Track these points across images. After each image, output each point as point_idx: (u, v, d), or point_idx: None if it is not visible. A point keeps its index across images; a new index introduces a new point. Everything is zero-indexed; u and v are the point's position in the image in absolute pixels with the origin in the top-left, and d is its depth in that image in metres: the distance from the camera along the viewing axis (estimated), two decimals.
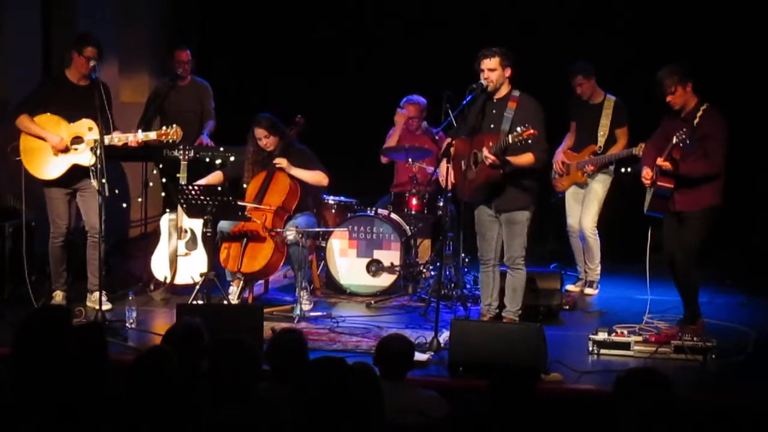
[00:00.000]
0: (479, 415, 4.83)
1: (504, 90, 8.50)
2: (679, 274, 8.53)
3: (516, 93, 8.47)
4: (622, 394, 4.94)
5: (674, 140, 8.13)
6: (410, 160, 10.51)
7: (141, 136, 9.38)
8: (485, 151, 8.22)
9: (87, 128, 9.12)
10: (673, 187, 8.32)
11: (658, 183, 8.38)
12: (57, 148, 9.11)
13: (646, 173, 8.45)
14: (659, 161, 8.26)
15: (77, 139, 9.14)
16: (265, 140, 9.77)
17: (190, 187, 9.18)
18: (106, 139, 9.04)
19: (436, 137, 10.60)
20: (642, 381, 4.94)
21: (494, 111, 8.51)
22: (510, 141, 8.13)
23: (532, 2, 12.07)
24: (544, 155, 8.55)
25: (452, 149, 8.58)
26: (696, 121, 8.21)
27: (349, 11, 12.63)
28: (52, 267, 9.41)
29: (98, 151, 8.81)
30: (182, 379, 5.16)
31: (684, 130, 8.13)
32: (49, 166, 9.18)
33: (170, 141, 9.51)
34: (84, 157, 9.11)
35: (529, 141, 8.10)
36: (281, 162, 9.75)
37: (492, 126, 8.48)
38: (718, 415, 6.82)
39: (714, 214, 8.38)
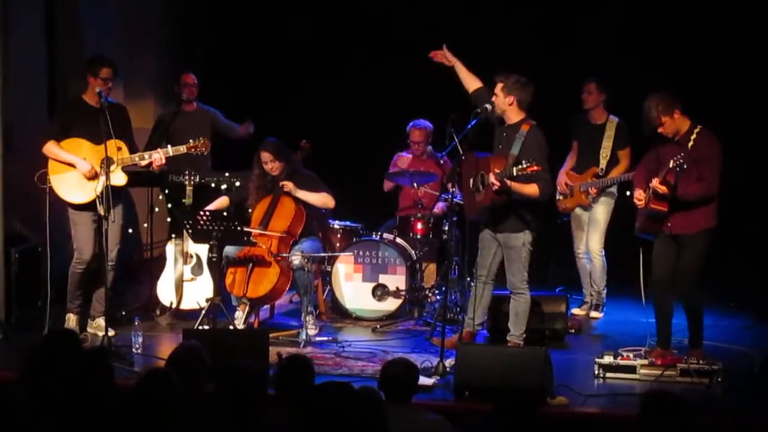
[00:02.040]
0: None
1: (514, 117, 8.59)
2: (684, 300, 8.50)
3: (529, 122, 8.54)
4: (646, 415, 4.94)
5: (671, 164, 8.09)
6: (415, 184, 10.53)
7: (171, 150, 9.44)
8: (491, 177, 8.27)
9: (116, 148, 9.17)
10: (667, 210, 8.32)
11: (651, 206, 8.36)
12: (87, 176, 9.11)
13: (639, 194, 8.45)
14: (654, 184, 8.23)
15: (107, 161, 9.19)
16: (271, 164, 9.79)
17: (201, 214, 9.20)
18: (135, 158, 9.21)
19: (441, 161, 10.62)
20: (667, 404, 4.95)
21: (505, 134, 8.62)
22: (515, 173, 8.19)
23: (535, 23, 12.10)
24: (547, 189, 8.61)
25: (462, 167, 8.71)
26: (690, 144, 8.22)
27: (354, 34, 12.66)
28: (69, 290, 9.39)
29: (106, 176, 8.87)
30: (183, 400, 5.18)
31: (682, 154, 8.10)
32: (82, 190, 9.15)
33: (200, 153, 9.61)
34: (116, 177, 9.16)
35: (532, 177, 8.18)
36: (287, 185, 9.77)
37: (500, 147, 8.58)
38: None
39: (709, 236, 8.35)
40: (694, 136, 8.23)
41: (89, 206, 9.20)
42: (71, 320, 9.39)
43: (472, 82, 8.86)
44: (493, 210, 8.57)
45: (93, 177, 9.13)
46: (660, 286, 8.52)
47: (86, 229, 9.27)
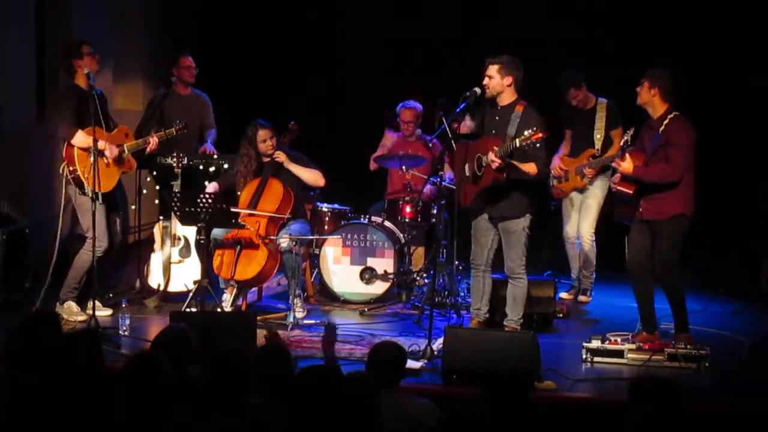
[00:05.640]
0: (470, 421, 4.82)
1: (508, 98, 8.51)
2: (663, 287, 8.53)
3: (522, 102, 8.49)
4: (634, 400, 4.94)
5: (621, 143, 8.27)
6: (404, 167, 10.51)
7: (165, 134, 9.78)
8: (491, 155, 8.22)
9: (124, 135, 9.26)
10: (633, 192, 8.37)
11: (618, 187, 8.47)
12: (111, 158, 9.17)
13: (615, 178, 8.55)
14: (614, 162, 8.35)
15: (119, 148, 9.27)
16: (270, 141, 9.77)
17: (202, 196, 9.20)
18: (140, 143, 9.53)
19: (430, 144, 10.59)
20: (656, 389, 4.94)
21: (497, 117, 8.54)
22: (518, 144, 8.13)
23: (526, 8, 12.09)
24: (545, 168, 8.63)
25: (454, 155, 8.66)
26: (662, 128, 8.29)
27: (342, 15, 12.66)
28: (74, 277, 9.32)
29: (93, 159, 8.84)
30: (172, 383, 5.16)
31: (629, 132, 8.28)
32: (105, 179, 9.11)
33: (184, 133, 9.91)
34: (131, 163, 9.39)
35: (537, 144, 8.13)
36: (280, 155, 9.75)
37: (494, 131, 8.51)
38: (711, 424, 6.81)
39: (683, 222, 8.36)
40: (667, 121, 8.30)
41: (104, 195, 9.18)
42: (73, 307, 9.30)
43: None
44: (493, 194, 8.51)
45: (115, 160, 9.23)
46: (635, 271, 8.56)
47: (101, 218, 9.17)
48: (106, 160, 9.11)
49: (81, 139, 9.09)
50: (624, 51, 11.39)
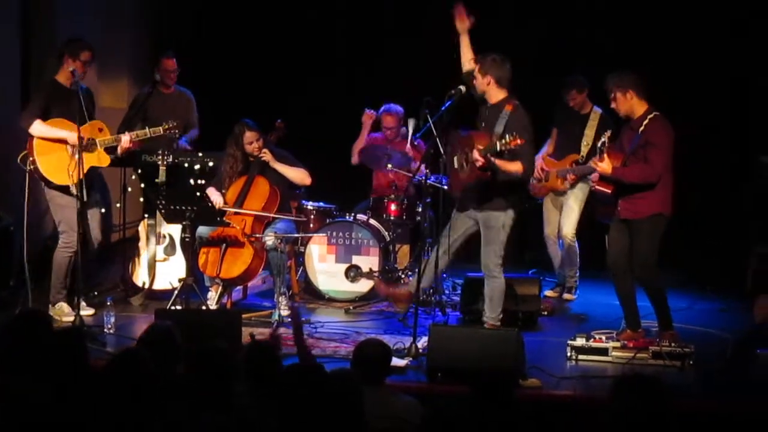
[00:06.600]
0: (454, 418, 4.82)
1: (496, 96, 8.54)
2: (643, 286, 8.56)
3: (513, 101, 8.50)
4: (618, 398, 4.94)
5: (599, 143, 8.33)
6: (389, 166, 10.51)
7: (149, 132, 9.57)
8: (475, 153, 8.23)
9: (97, 129, 9.18)
10: (611, 192, 8.45)
11: (597, 187, 8.57)
12: (76, 145, 8.99)
13: (593, 177, 8.64)
14: (591, 161, 8.45)
15: (90, 141, 9.15)
16: (256, 143, 9.74)
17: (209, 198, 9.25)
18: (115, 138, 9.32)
19: (415, 143, 10.60)
20: (640, 386, 4.94)
21: (488, 113, 8.57)
22: (498, 148, 8.13)
23: (526, 7, 12.08)
24: (530, 167, 8.65)
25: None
26: (641, 129, 8.32)
27: (328, 14, 12.63)
28: (56, 278, 9.27)
29: (78, 156, 8.81)
30: (157, 380, 5.16)
31: (607, 133, 8.35)
32: (68, 170, 9.03)
33: (174, 134, 9.77)
34: (101, 158, 9.25)
35: (515, 150, 8.13)
36: (266, 154, 9.73)
37: (483, 125, 8.55)
38: (695, 421, 6.83)
39: (660, 221, 8.38)
40: (646, 121, 8.34)
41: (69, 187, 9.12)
42: (64, 308, 9.24)
43: (466, 62, 8.80)
44: (478, 188, 8.52)
45: (85, 148, 9.04)
46: (615, 269, 8.60)
47: (72, 212, 9.09)
48: (69, 150, 9.04)
49: (39, 128, 9.04)
50: (624, 51, 11.35)
